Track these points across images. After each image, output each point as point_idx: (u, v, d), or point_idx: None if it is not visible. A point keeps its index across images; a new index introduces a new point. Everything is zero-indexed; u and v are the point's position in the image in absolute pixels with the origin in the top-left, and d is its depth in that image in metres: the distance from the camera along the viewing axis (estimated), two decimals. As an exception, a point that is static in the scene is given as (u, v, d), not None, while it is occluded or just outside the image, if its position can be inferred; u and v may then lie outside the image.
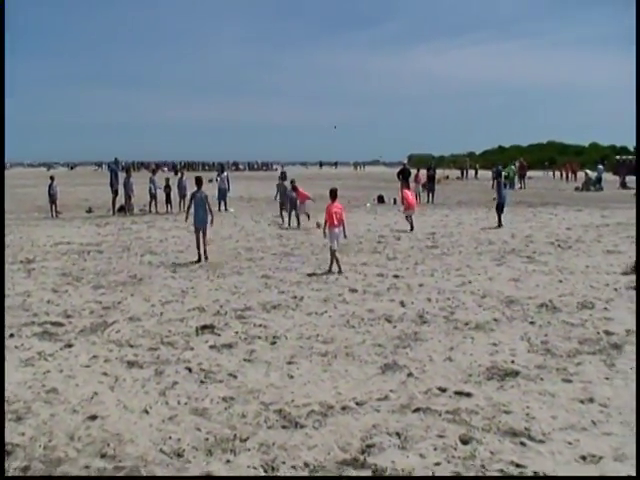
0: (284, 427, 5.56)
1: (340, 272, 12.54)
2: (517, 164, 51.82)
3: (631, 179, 47.37)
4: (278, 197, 23.57)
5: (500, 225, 20.69)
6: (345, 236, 13.30)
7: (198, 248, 14.23)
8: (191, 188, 16.44)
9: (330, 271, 12.70)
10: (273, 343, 7.99)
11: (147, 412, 5.86)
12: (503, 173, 49.49)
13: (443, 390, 6.40)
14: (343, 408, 5.95)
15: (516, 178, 49.14)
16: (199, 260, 14.04)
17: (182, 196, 26.39)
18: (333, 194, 13.21)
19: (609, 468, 4.88)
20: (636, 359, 7.78)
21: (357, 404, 6.04)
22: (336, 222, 12.75)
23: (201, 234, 14.30)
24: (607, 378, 6.80)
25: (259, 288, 11.28)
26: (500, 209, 21.02)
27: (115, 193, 26.99)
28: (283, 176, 25.90)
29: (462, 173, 70.27)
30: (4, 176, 10.27)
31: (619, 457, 5.02)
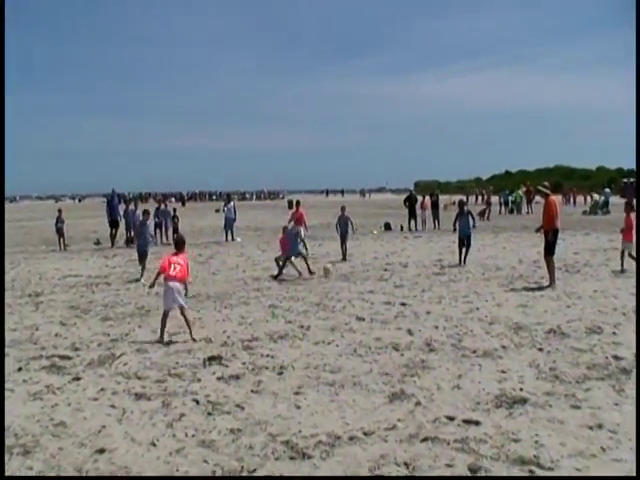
0: (291, 458, 5.54)
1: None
2: (524, 189, 51.90)
3: None
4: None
5: (460, 263, 18.12)
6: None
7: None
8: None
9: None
10: (280, 373, 7.98)
11: (154, 445, 5.85)
12: (510, 198, 50.01)
13: (451, 419, 6.36)
14: (350, 438, 5.92)
15: (524, 203, 49.31)
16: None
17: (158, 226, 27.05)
18: (290, 204, 13.16)
19: (620, 496, 4.85)
20: (636, 361, 7.75)
21: (365, 434, 6.01)
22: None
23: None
24: (616, 404, 6.75)
25: (266, 318, 11.29)
26: (461, 244, 18.35)
27: (112, 225, 27.08)
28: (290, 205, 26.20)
29: (468, 199, 70.35)
30: (4, 198, 10.33)
31: (629, 484, 4.99)
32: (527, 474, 5.16)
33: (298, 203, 23.18)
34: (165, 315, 9.88)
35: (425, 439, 5.86)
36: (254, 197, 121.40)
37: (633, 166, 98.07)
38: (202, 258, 21.15)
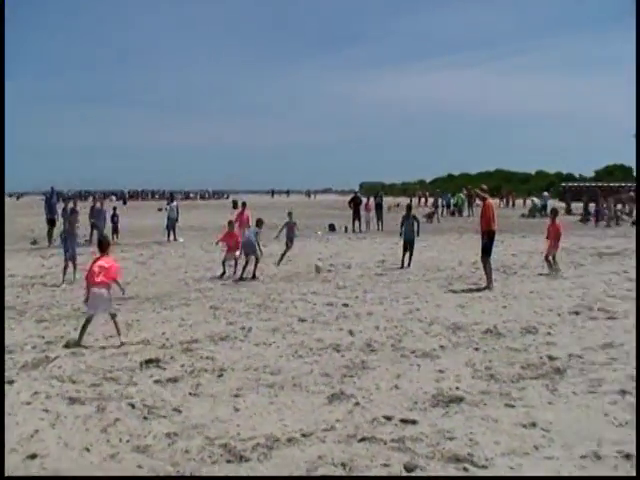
0: (228, 462, 5.50)
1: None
2: (465, 192, 52.75)
3: (577, 205, 48.53)
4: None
5: (402, 265, 18.20)
6: None
7: None
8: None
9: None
10: (220, 376, 7.92)
11: (88, 450, 5.74)
12: (452, 200, 50.77)
13: (389, 418, 6.42)
14: (289, 440, 5.92)
15: (465, 205, 50.16)
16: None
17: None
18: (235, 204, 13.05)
19: (551, 492, 4.97)
20: (636, 357, 7.94)
21: (303, 435, 6.02)
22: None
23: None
24: (550, 402, 6.91)
25: (207, 319, 11.21)
26: (405, 247, 18.46)
27: (50, 223, 26.52)
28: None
29: (412, 200, 71.04)
30: (4, 199, 10.02)
31: (559, 480, 5.11)
32: (461, 472, 5.24)
33: (244, 204, 23.10)
34: (87, 320, 9.59)
35: (363, 439, 5.90)
36: (198, 197, 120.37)
37: (571, 170, 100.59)
38: (142, 258, 20.88)
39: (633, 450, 5.58)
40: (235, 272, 16.60)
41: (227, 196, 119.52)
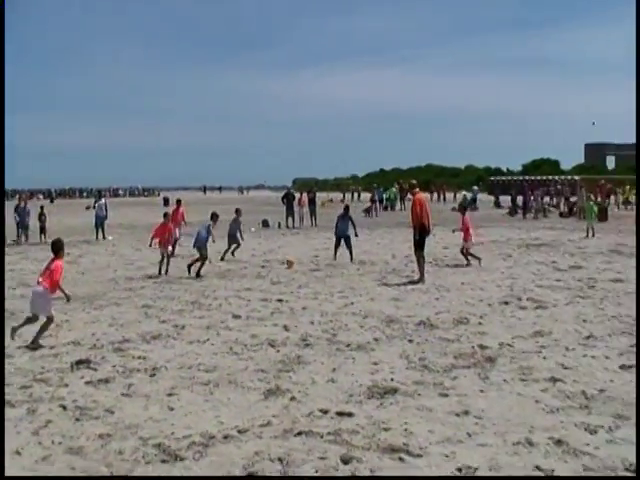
0: (163, 461, 5.42)
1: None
2: (397, 186, 53.35)
3: (505, 199, 49.66)
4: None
5: (335, 258, 18.51)
6: None
7: None
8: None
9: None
10: (152, 375, 7.80)
11: (19, 453, 5.57)
12: (384, 195, 51.26)
13: (325, 412, 6.44)
14: (225, 437, 5.87)
15: (397, 200, 50.76)
16: None
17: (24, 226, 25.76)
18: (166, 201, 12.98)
19: (485, 477, 5.06)
20: (636, 357, 8.12)
21: (239, 432, 5.98)
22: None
23: None
24: (481, 391, 7.05)
25: (139, 318, 11.01)
26: (338, 242, 18.80)
27: None
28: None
29: (344, 196, 71.55)
30: (4, 198, 9.63)
31: (493, 467, 5.21)
32: (397, 462, 5.30)
33: (179, 201, 22.84)
34: (28, 319, 9.35)
35: (299, 433, 5.90)
36: (127, 194, 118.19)
37: (499, 165, 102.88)
38: (71, 257, 20.29)
39: (563, 436, 5.74)
40: (167, 270, 16.38)
41: (158, 193, 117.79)
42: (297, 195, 35.50)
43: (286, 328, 10.12)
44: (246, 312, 11.41)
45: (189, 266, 16.20)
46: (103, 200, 28.82)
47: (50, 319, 9.37)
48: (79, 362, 8.30)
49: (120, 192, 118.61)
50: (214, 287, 14.22)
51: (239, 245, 17.32)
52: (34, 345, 9.07)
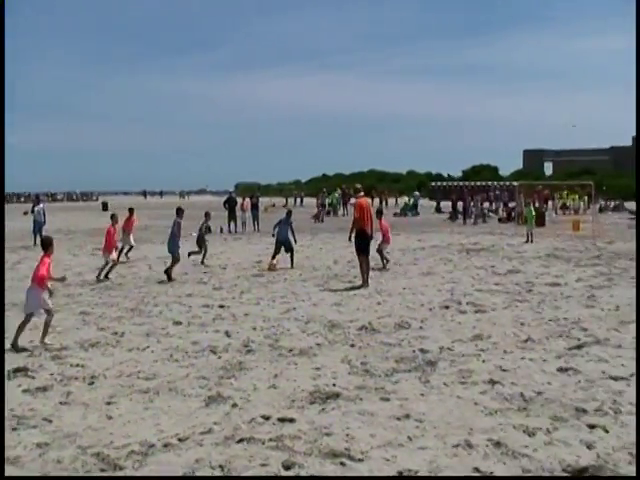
0: (102, 470, 5.32)
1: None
2: (339, 192, 53.57)
3: (445, 204, 50.35)
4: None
5: (270, 268, 17.83)
6: None
7: None
8: None
9: None
10: (91, 383, 7.65)
11: (-49, 465, 5.40)
12: (327, 200, 51.41)
13: (267, 418, 6.41)
14: (165, 445, 5.79)
15: (340, 205, 50.99)
16: None
17: None
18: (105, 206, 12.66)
19: (426, 481, 5.11)
20: (636, 356, 8.21)
21: (179, 440, 5.90)
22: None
23: None
24: (422, 394, 7.13)
25: (77, 325, 10.80)
26: (277, 249, 18.54)
27: None
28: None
29: (287, 200, 71.55)
30: (4, 197, 9.45)
31: (433, 470, 5.26)
32: (339, 466, 5.31)
33: (131, 210, 22.19)
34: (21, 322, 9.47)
35: (241, 440, 5.86)
36: (65, 198, 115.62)
37: (440, 170, 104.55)
38: (9, 264, 19.82)
39: (502, 438, 5.84)
40: (108, 273, 16.13)
41: (96, 198, 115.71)
42: (239, 200, 35.34)
43: (228, 334, 10.05)
44: (187, 318, 11.29)
45: (166, 272, 16.09)
46: (41, 205, 28.24)
47: (49, 312, 9.51)
48: (16, 370, 8.10)
49: (58, 196, 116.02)
50: (154, 293, 14.04)
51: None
52: (44, 346, 9.26)
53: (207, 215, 20.04)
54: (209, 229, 20.74)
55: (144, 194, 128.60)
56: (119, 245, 18.68)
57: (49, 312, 9.55)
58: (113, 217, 17.71)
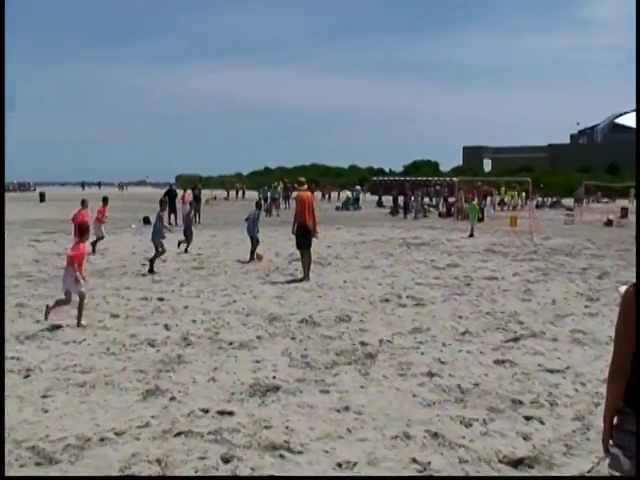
0: (38, 464, 5.22)
1: None
2: (281, 185, 53.50)
3: (387, 198, 50.84)
4: None
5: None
6: None
7: None
8: None
9: None
10: (27, 376, 7.48)
11: None
12: (269, 194, 51.24)
13: (206, 411, 6.37)
14: (101, 439, 5.70)
15: (282, 198, 50.88)
16: None
17: None
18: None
19: (363, 471, 5.15)
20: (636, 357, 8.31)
21: (116, 434, 5.82)
22: None
23: None
24: (362, 387, 7.18)
25: (12, 318, 10.51)
26: (252, 242, 18.32)
27: None
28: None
29: (228, 193, 71.14)
30: (4, 196, 9.28)
31: (372, 461, 5.31)
32: (278, 459, 5.31)
33: (105, 199, 21.75)
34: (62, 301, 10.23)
35: (179, 434, 5.81)
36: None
37: (382, 165, 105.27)
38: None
39: (439, 429, 5.93)
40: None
41: (34, 188, 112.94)
42: (180, 192, 34.96)
43: (167, 327, 9.94)
44: (125, 311, 11.13)
45: (151, 263, 16.02)
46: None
47: (82, 296, 10.11)
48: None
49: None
50: (91, 286, 13.74)
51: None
52: (79, 326, 9.86)
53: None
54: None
55: (82, 185, 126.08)
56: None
57: (81, 295, 10.10)
58: (84, 202, 18.40)
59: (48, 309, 10.15)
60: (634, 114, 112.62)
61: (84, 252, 10.67)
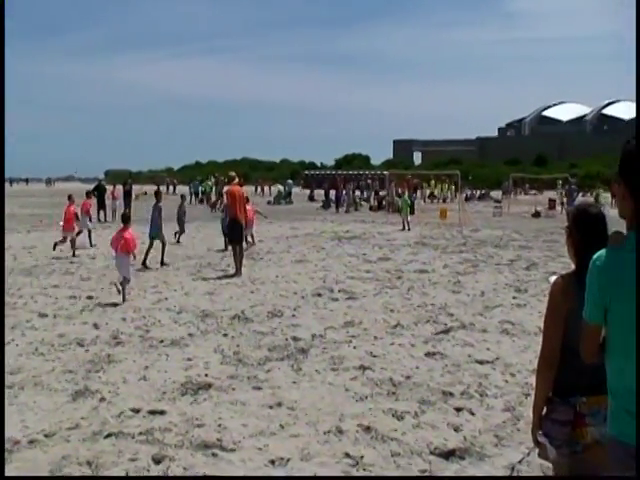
0: (-39, 470, 5.08)
1: None
2: (213, 180, 53.10)
3: (319, 192, 50.97)
4: None
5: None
6: None
7: None
8: None
9: None
10: (-51, 379, 7.26)
11: None
12: (200, 188, 50.84)
13: (137, 411, 6.31)
14: (30, 442, 5.60)
15: (213, 193, 50.52)
16: None
17: None
18: None
19: (296, 467, 5.19)
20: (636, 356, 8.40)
21: (46, 436, 5.72)
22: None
23: None
24: (294, 382, 7.22)
25: None
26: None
27: None
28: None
29: (159, 188, 70.09)
30: (4, 195, 8.77)
31: (305, 457, 5.36)
32: (211, 457, 5.31)
33: (89, 193, 23.26)
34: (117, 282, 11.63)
35: (109, 435, 5.74)
36: None
37: (314, 159, 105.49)
38: None
39: (372, 422, 6.02)
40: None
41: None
42: (109, 187, 34.32)
43: (96, 326, 9.77)
44: (53, 310, 10.89)
45: (145, 259, 15.94)
46: None
47: (127, 279, 11.68)
48: None
49: None
50: (19, 285, 13.41)
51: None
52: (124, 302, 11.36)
53: (183, 197, 22.78)
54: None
55: (9, 182, 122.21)
56: (77, 228, 19.51)
57: (126, 278, 11.68)
58: (70, 197, 19.29)
59: (120, 291, 11.55)
60: (623, 104, 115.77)
61: (134, 236, 12.21)
